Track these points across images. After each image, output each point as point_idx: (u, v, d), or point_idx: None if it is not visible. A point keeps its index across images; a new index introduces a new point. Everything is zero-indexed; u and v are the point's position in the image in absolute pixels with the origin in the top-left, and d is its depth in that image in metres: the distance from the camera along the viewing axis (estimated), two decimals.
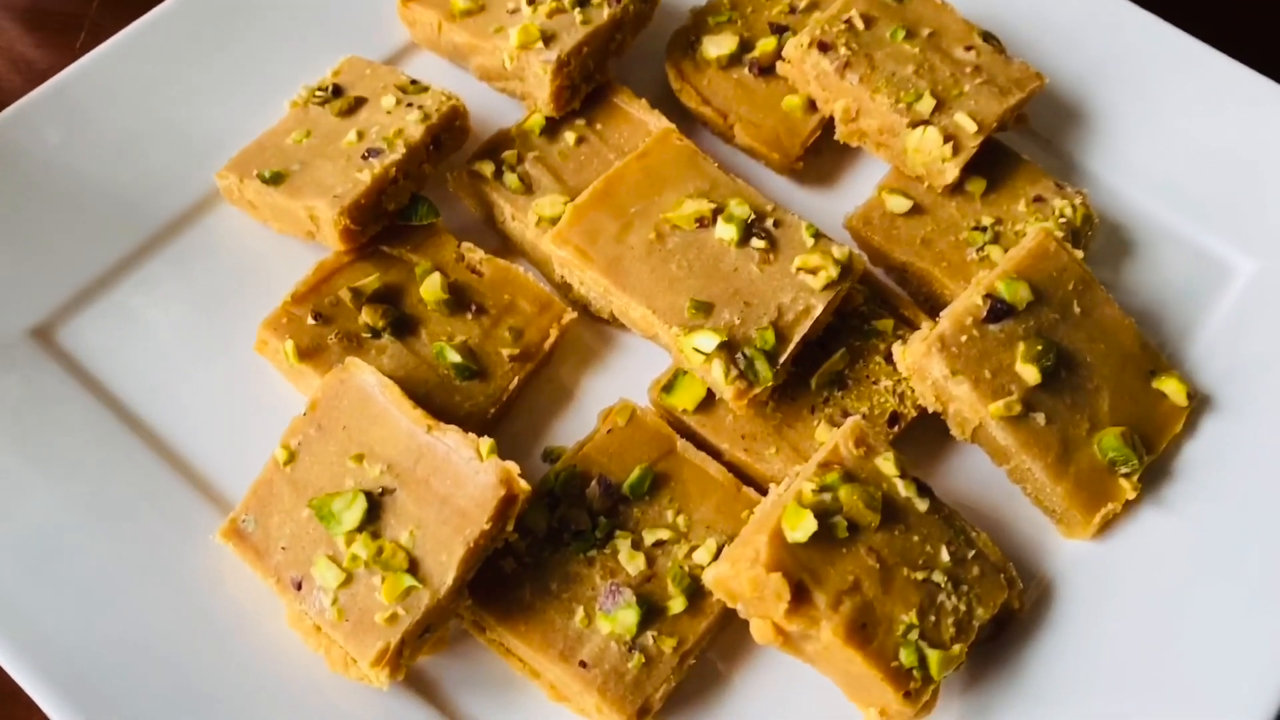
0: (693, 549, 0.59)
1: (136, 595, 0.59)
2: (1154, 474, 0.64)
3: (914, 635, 0.54)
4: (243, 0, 0.77)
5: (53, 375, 0.65)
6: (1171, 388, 0.65)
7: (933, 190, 0.71)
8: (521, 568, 0.58)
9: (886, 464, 0.58)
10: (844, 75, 0.70)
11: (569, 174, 0.71)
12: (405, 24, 0.77)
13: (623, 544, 0.58)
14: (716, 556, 0.58)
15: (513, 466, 0.56)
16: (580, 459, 0.61)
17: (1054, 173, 0.74)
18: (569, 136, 0.72)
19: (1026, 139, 0.76)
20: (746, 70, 0.75)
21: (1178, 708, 0.58)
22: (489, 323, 0.66)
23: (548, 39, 0.70)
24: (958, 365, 0.61)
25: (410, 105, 0.69)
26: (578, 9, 0.72)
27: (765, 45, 0.75)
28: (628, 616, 0.56)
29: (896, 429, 0.63)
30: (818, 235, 0.65)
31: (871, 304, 0.67)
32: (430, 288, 0.65)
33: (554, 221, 0.68)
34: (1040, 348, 0.62)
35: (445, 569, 0.54)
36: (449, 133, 0.70)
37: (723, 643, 0.60)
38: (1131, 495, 0.62)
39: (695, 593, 0.57)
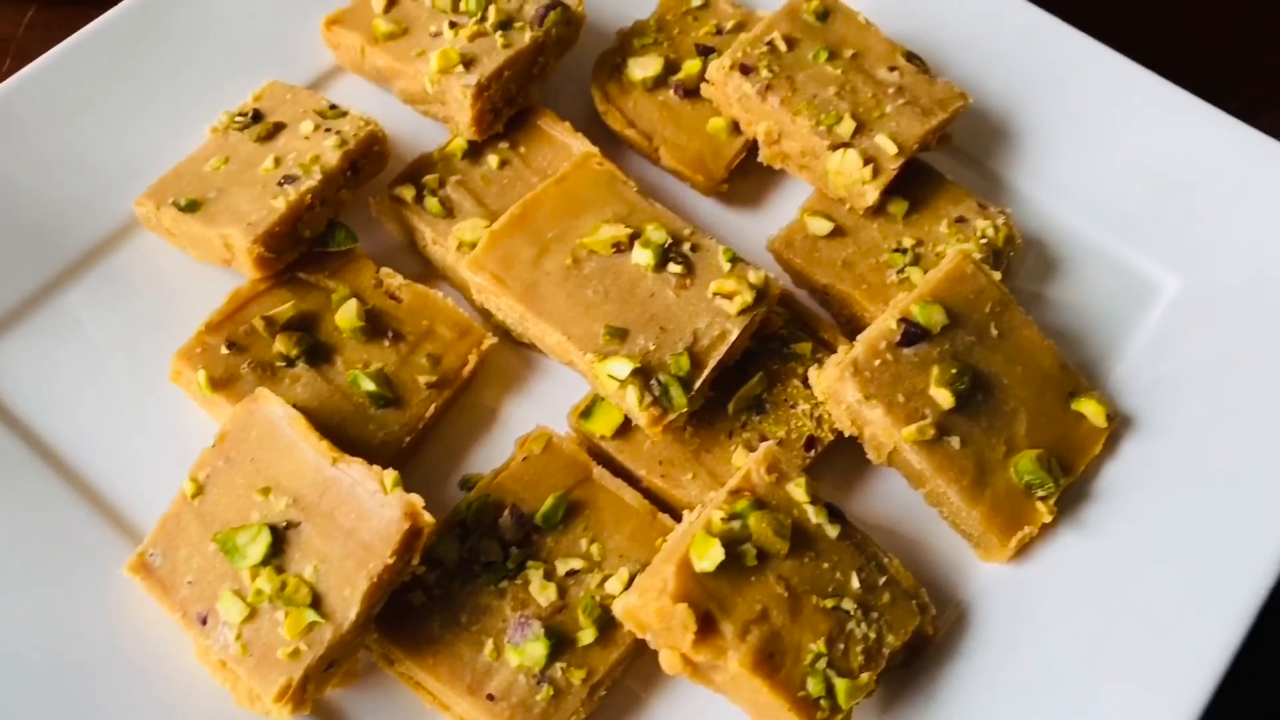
0: (605, 578, 0.58)
1: (46, 628, 0.59)
2: (1072, 496, 0.64)
3: (822, 664, 0.54)
4: (165, 25, 0.76)
5: None
6: (1091, 409, 0.65)
7: (854, 212, 0.71)
8: (431, 600, 0.57)
9: (798, 490, 0.57)
10: (765, 98, 0.70)
11: (491, 198, 0.71)
12: (330, 47, 0.76)
13: (534, 574, 0.58)
14: (629, 586, 0.58)
15: (417, 499, 0.55)
16: (494, 488, 0.61)
17: (980, 191, 0.75)
18: (492, 160, 0.72)
19: (953, 158, 0.76)
20: (672, 92, 0.75)
21: None
22: (406, 349, 0.65)
23: (468, 63, 0.70)
24: (871, 390, 0.61)
25: (328, 131, 0.69)
26: (499, 32, 0.71)
27: (690, 67, 0.75)
28: (536, 649, 0.56)
29: (813, 453, 0.63)
30: (735, 260, 0.65)
31: (791, 327, 0.67)
32: (345, 315, 0.65)
33: (475, 245, 0.67)
34: (954, 371, 0.62)
35: (348, 604, 0.54)
36: (367, 158, 0.69)
37: (641, 669, 0.60)
38: (1048, 519, 0.62)
39: (606, 623, 0.57)
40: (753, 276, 0.64)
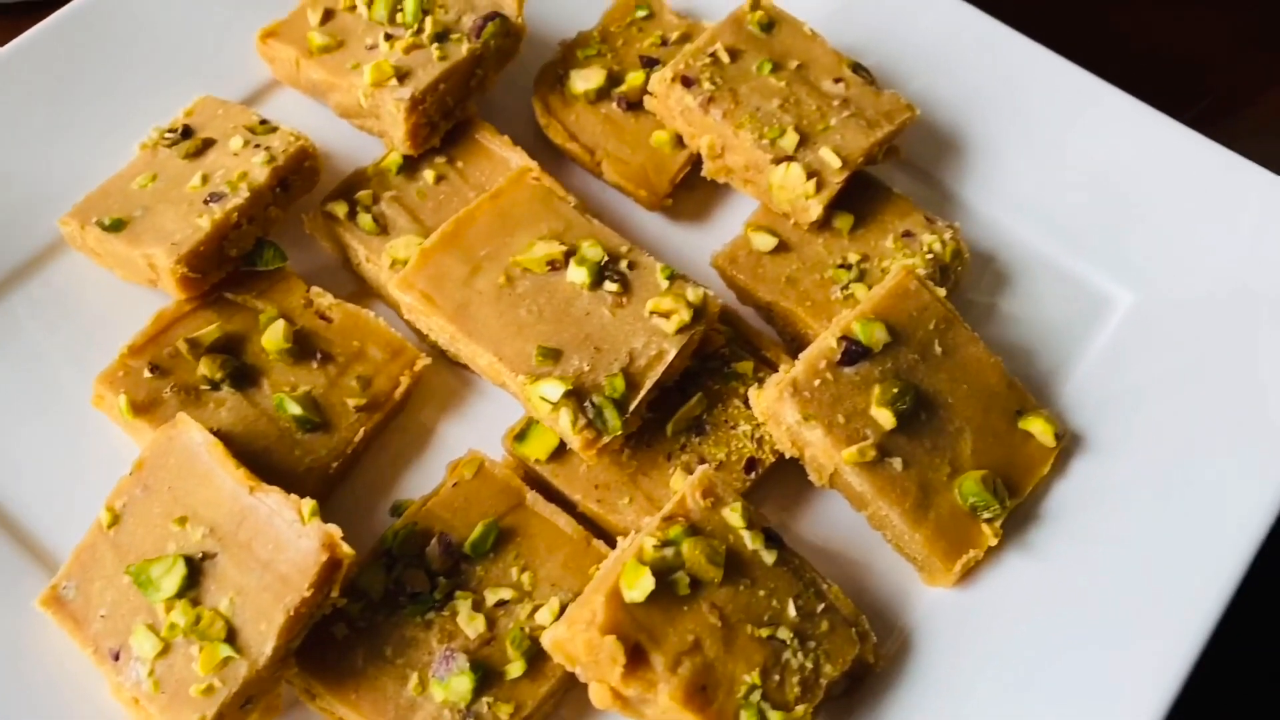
0: (536, 609, 0.57)
1: None
2: (1019, 517, 0.62)
3: (756, 696, 0.52)
4: (95, 38, 0.74)
5: None
6: (1039, 428, 0.63)
7: (799, 227, 0.69)
8: (354, 632, 0.55)
9: (734, 515, 0.56)
10: (708, 110, 0.69)
11: (427, 214, 0.69)
12: (265, 60, 0.75)
13: (463, 605, 0.56)
14: (560, 617, 0.56)
15: (335, 530, 0.53)
16: (422, 516, 0.59)
17: (929, 204, 0.73)
18: (428, 175, 0.70)
19: (901, 170, 0.74)
20: (615, 105, 0.74)
21: None
22: (335, 371, 0.64)
23: (402, 76, 0.68)
24: (810, 410, 0.59)
25: (258, 147, 0.67)
26: (435, 45, 0.70)
27: (634, 79, 0.73)
28: (461, 684, 0.54)
29: (754, 475, 0.61)
30: (673, 277, 0.63)
31: (733, 345, 0.65)
32: (272, 337, 0.63)
33: (408, 263, 0.66)
34: (896, 390, 0.60)
35: (264, 638, 0.52)
36: (298, 174, 0.68)
37: (573, 703, 0.58)
38: (993, 541, 0.60)
39: (536, 656, 0.55)
40: (691, 294, 0.62)
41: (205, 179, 0.66)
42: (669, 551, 0.54)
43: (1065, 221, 0.74)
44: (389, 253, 0.66)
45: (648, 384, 0.60)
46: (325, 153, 0.71)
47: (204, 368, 0.62)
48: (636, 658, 0.52)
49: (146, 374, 0.62)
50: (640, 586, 0.52)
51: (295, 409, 0.61)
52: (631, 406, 0.59)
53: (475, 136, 0.72)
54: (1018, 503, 0.62)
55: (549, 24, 0.78)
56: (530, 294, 0.62)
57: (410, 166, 0.70)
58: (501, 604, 0.57)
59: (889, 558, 0.62)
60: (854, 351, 0.61)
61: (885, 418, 0.60)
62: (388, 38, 0.70)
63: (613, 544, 0.59)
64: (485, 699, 0.54)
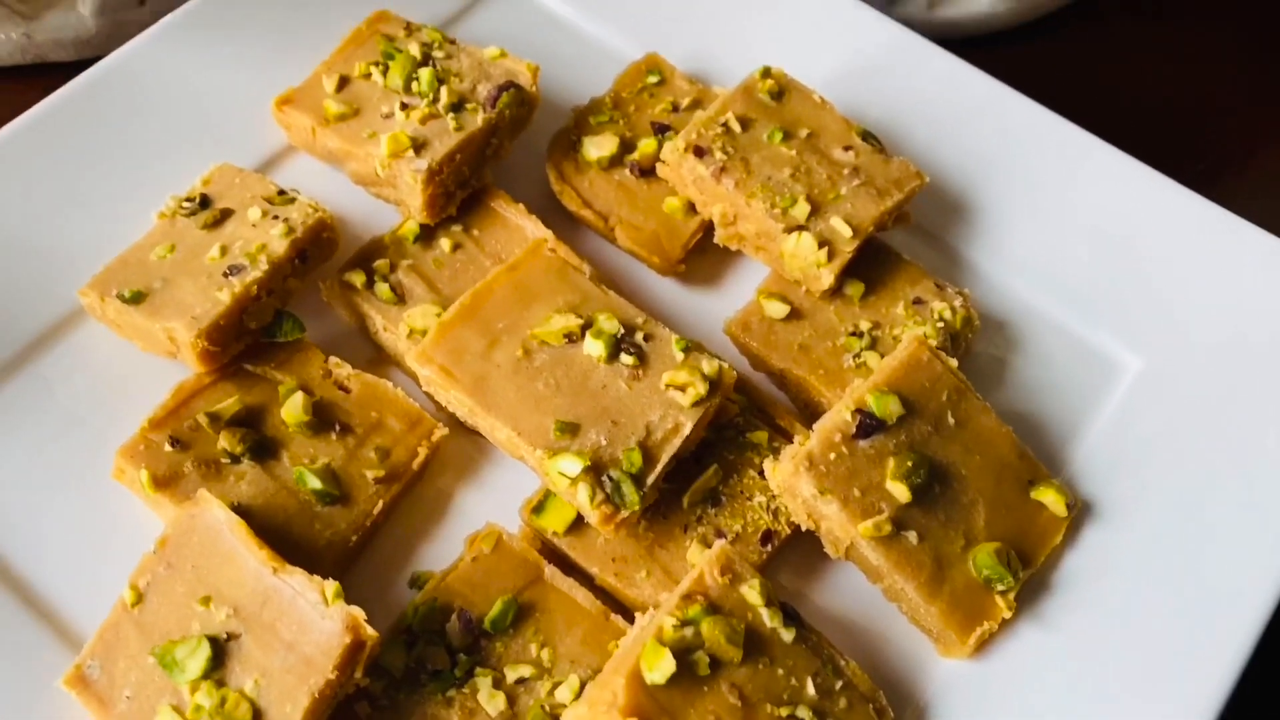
0: (556, 686, 0.57)
1: None
2: (1033, 588, 0.63)
3: None
4: (111, 106, 0.75)
5: None
6: (1050, 498, 0.64)
7: (811, 294, 0.70)
8: (376, 711, 0.56)
9: (752, 592, 0.56)
10: (720, 180, 0.70)
11: (444, 282, 0.70)
12: (281, 127, 0.75)
13: (483, 682, 0.57)
14: (580, 694, 0.56)
15: (359, 613, 0.54)
16: (441, 591, 0.59)
17: (938, 268, 0.74)
18: (444, 243, 0.71)
19: (910, 234, 0.75)
20: (627, 171, 0.74)
21: None
22: (354, 443, 0.64)
23: (419, 147, 0.69)
24: (826, 484, 0.60)
25: (276, 218, 0.68)
26: (451, 115, 0.71)
27: (646, 147, 0.74)
28: None
29: (770, 548, 0.62)
30: (688, 349, 0.64)
31: (747, 414, 0.66)
32: (292, 410, 0.64)
33: (426, 332, 0.66)
34: (911, 464, 0.61)
35: (289, 719, 0.52)
36: (316, 245, 0.68)
37: None
38: (1008, 614, 0.61)
39: None
40: (706, 366, 0.63)
41: (224, 250, 0.66)
42: (688, 631, 0.54)
43: (1072, 285, 0.74)
44: (406, 322, 0.67)
45: (665, 458, 0.61)
46: (341, 218, 0.72)
47: (224, 441, 0.62)
48: None
49: (167, 447, 0.62)
50: (661, 668, 0.53)
51: (315, 483, 0.62)
52: (649, 481, 0.60)
53: (490, 204, 0.72)
54: (1031, 573, 0.63)
55: (561, 90, 0.79)
56: (548, 367, 0.63)
57: (427, 235, 0.71)
58: (521, 681, 0.57)
59: (905, 628, 0.63)
60: (869, 424, 0.61)
61: (900, 491, 0.60)
62: (404, 107, 0.71)
63: (630, 617, 0.59)
64: None
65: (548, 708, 0.56)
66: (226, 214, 0.69)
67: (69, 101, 0.75)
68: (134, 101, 0.76)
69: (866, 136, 0.73)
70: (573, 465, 0.59)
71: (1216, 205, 0.76)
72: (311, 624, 0.54)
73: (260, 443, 0.63)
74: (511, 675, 0.57)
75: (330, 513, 0.62)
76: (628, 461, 0.60)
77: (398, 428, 0.65)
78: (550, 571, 0.61)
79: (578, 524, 0.62)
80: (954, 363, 0.65)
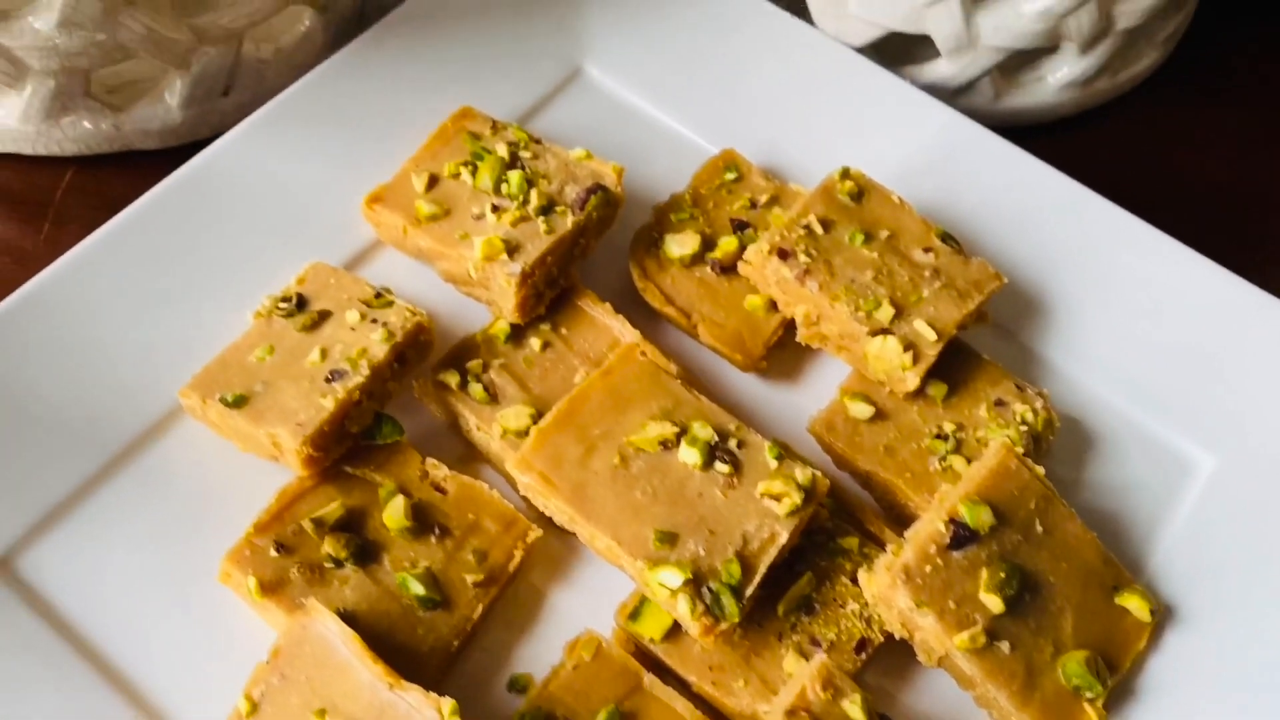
0: None
1: None
2: (1119, 693, 0.64)
3: None
4: (204, 203, 0.77)
5: (13, 608, 0.64)
6: (1134, 604, 0.65)
7: (895, 395, 0.71)
8: None
9: (853, 708, 0.58)
10: (804, 282, 0.71)
11: (534, 381, 0.71)
12: (370, 224, 0.77)
13: None
14: None
15: None
16: (545, 699, 0.61)
17: (1012, 364, 0.75)
18: (534, 342, 0.72)
19: (986, 331, 0.76)
20: (709, 269, 0.76)
21: None
22: (453, 545, 0.66)
23: (512, 250, 0.71)
24: (922, 597, 0.61)
25: (374, 321, 0.69)
26: (541, 217, 0.72)
27: (727, 245, 0.76)
28: None
29: (864, 655, 0.63)
30: (781, 456, 0.65)
31: (836, 519, 0.67)
32: (393, 515, 0.65)
33: (519, 433, 0.68)
34: (1003, 575, 0.62)
35: None
36: (414, 348, 0.70)
37: None
38: None
39: None
40: (800, 475, 0.64)
41: (324, 354, 0.68)
42: None
43: (1145, 383, 0.76)
44: (500, 422, 0.69)
45: (762, 568, 0.62)
46: (430, 315, 0.73)
47: (328, 546, 0.64)
48: None
49: (272, 552, 0.64)
50: None
51: (418, 589, 0.63)
52: (748, 592, 0.61)
53: (578, 303, 0.74)
54: (1118, 679, 0.64)
55: (640, 187, 0.80)
56: (644, 475, 0.64)
57: (517, 334, 0.73)
58: None
59: None
60: (962, 535, 0.63)
61: (994, 603, 0.62)
62: (495, 209, 0.73)
63: None
64: None
65: None
66: (324, 316, 0.70)
67: (162, 200, 0.76)
68: (223, 199, 0.77)
69: (945, 238, 0.74)
70: (673, 577, 0.60)
71: None
72: None
73: (363, 547, 0.64)
74: None
75: (432, 618, 0.63)
76: (726, 573, 0.61)
77: (494, 529, 0.66)
78: (649, 680, 0.62)
79: (674, 630, 0.63)
80: (1041, 470, 0.66)
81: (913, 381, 0.70)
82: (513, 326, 0.73)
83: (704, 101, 0.86)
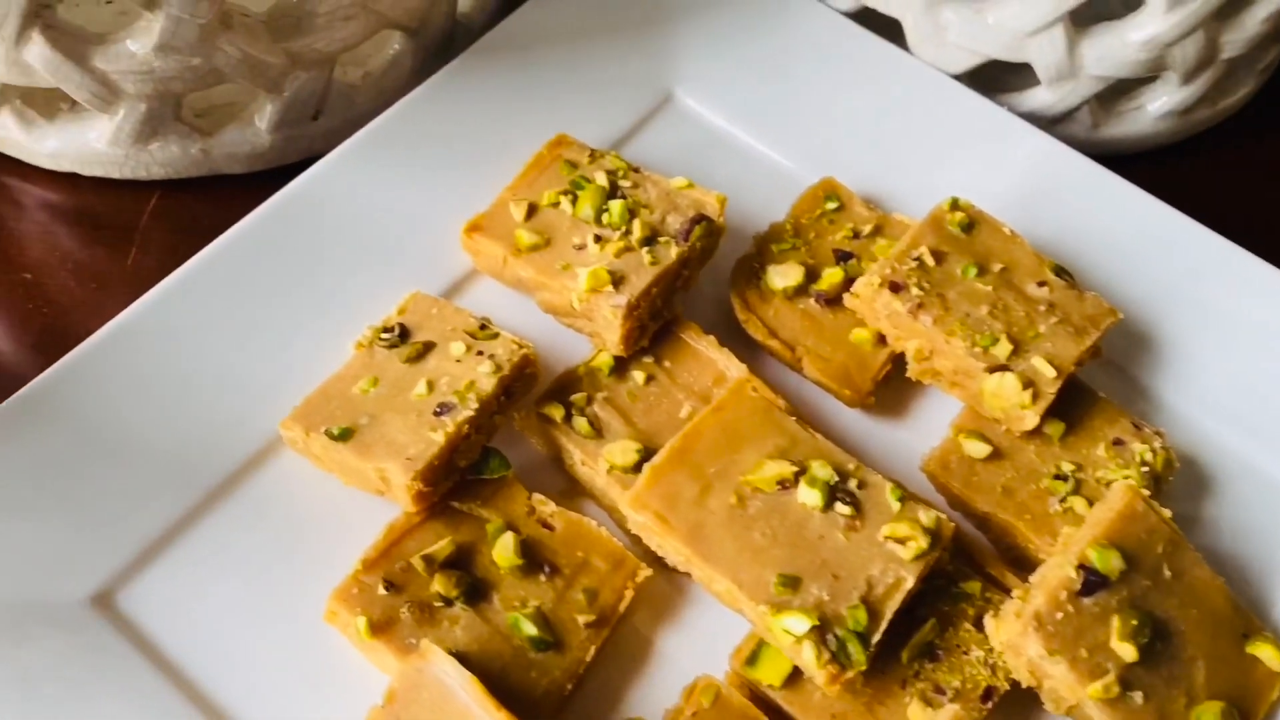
0: None
1: None
2: None
3: None
4: (299, 232, 0.76)
5: (114, 644, 0.63)
6: (1267, 653, 0.63)
7: (1010, 433, 0.69)
8: None
9: None
10: (917, 316, 0.70)
11: (639, 415, 0.70)
12: (468, 253, 0.76)
13: None
14: None
15: None
16: None
17: (1125, 401, 0.73)
18: (638, 375, 0.71)
19: (1095, 366, 0.74)
20: (813, 301, 0.74)
21: None
22: (563, 584, 0.64)
23: (617, 281, 0.70)
24: (1054, 645, 0.59)
25: (480, 354, 0.68)
26: (645, 248, 0.71)
27: (831, 276, 0.74)
28: None
29: (990, 704, 0.61)
30: (904, 498, 0.63)
31: (957, 563, 0.65)
32: (503, 552, 0.63)
33: (626, 469, 0.67)
34: (1136, 623, 0.60)
35: None
36: (520, 380, 0.69)
37: None
38: None
39: None
40: (924, 518, 0.62)
41: (431, 386, 0.67)
42: None
43: (1260, 420, 0.74)
44: (606, 458, 0.67)
45: (889, 614, 0.60)
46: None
47: (439, 585, 0.62)
48: None
49: (381, 591, 0.62)
50: None
51: (531, 629, 0.61)
52: (874, 639, 0.59)
53: (681, 336, 0.72)
54: None
55: (733, 215, 0.79)
56: (763, 515, 0.63)
57: (620, 367, 0.71)
58: None
59: None
60: (1092, 581, 0.61)
61: (1127, 651, 0.60)
62: (597, 239, 0.72)
63: None
64: None
65: None
66: (428, 347, 0.69)
67: (257, 227, 0.75)
68: (318, 226, 0.76)
69: (1059, 271, 0.73)
70: (800, 624, 0.59)
71: None
72: None
73: (473, 585, 0.63)
74: None
75: (545, 659, 0.62)
76: (853, 619, 0.59)
77: (603, 568, 0.65)
78: None
79: (794, 676, 0.62)
80: (1168, 513, 0.64)
81: (1032, 420, 0.68)
82: (616, 359, 0.71)
83: (797, 128, 0.85)
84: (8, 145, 0.84)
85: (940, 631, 0.63)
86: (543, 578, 0.64)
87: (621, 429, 0.69)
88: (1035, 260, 0.73)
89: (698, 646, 0.65)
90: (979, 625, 0.63)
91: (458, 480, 0.66)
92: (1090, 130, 0.88)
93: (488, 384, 0.66)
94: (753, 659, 0.62)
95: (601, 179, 0.75)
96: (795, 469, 0.64)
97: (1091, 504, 0.66)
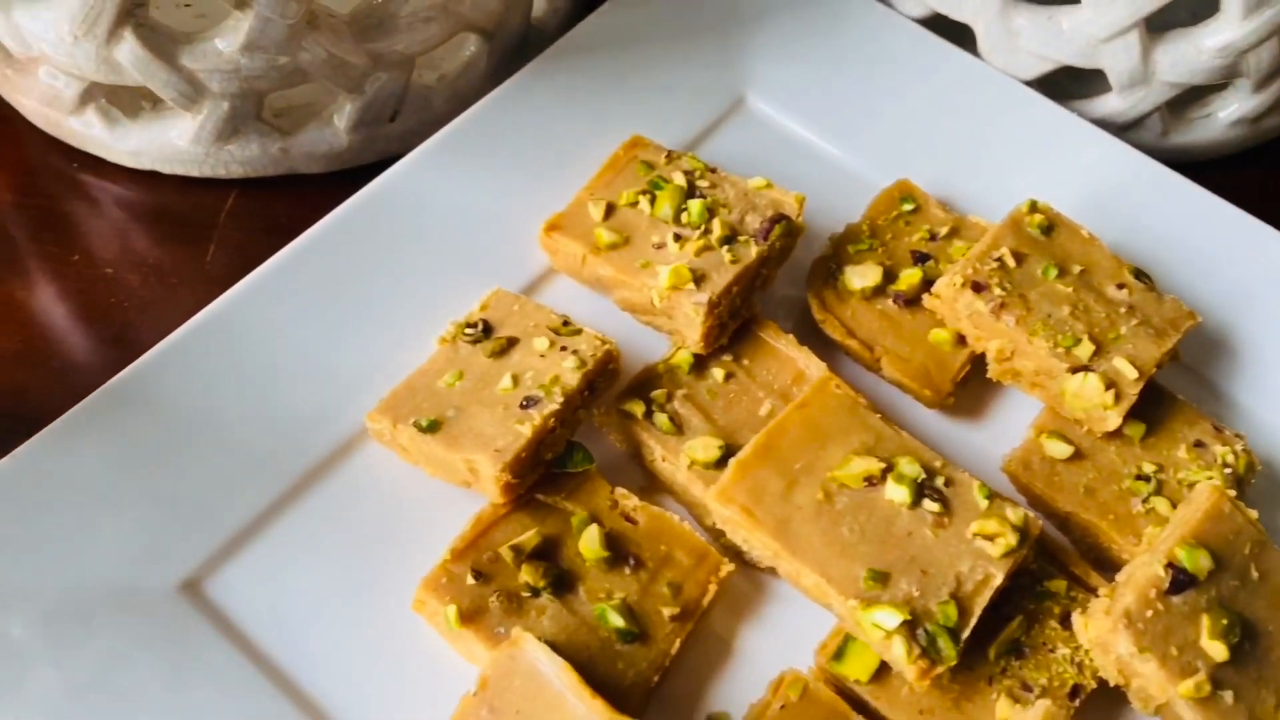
0: None
1: None
2: None
3: None
4: (381, 230, 0.77)
5: (202, 631, 0.63)
6: None
7: (1091, 433, 0.69)
8: None
9: None
10: (999, 316, 0.70)
11: (718, 412, 0.70)
12: (546, 252, 0.77)
13: None
14: None
15: None
16: None
17: (1202, 404, 0.73)
18: (717, 373, 0.71)
19: (1173, 370, 0.74)
20: (890, 301, 0.75)
21: None
22: (647, 577, 0.64)
23: (698, 279, 0.70)
24: (1144, 642, 0.59)
25: (564, 349, 0.68)
26: (725, 247, 0.72)
27: (910, 277, 0.75)
28: None
29: (1077, 702, 0.61)
30: (991, 496, 0.63)
31: (1041, 561, 0.65)
32: (589, 544, 0.64)
33: (707, 465, 0.67)
34: (1226, 622, 0.60)
35: None
36: (603, 376, 0.69)
37: None
38: None
39: None
40: (1012, 515, 0.63)
41: (516, 380, 0.67)
42: None
43: None
44: (687, 454, 0.68)
45: (978, 610, 0.60)
46: None
47: (526, 575, 0.63)
48: None
49: (470, 580, 0.63)
50: None
51: (618, 621, 0.62)
52: (964, 634, 0.59)
53: (759, 334, 0.73)
54: None
55: (815, 213, 0.79)
56: (850, 511, 0.63)
57: (699, 364, 0.72)
58: None
59: None
60: (1181, 580, 0.60)
61: (1218, 650, 0.59)
62: (677, 238, 0.72)
63: None
64: None
65: None
66: (512, 342, 0.70)
67: (340, 225, 0.76)
68: (398, 225, 0.77)
69: (1138, 274, 0.73)
70: (891, 618, 0.59)
71: None
72: None
73: (560, 576, 0.63)
74: None
75: (631, 651, 0.62)
76: (943, 615, 0.59)
77: (686, 562, 0.65)
78: None
79: (880, 672, 0.62)
80: (1254, 514, 0.64)
81: (1114, 420, 0.68)
82: (696, 357, 0.72)
83: (868, 132, 0.85)
84: (90, 143, 0.85)
85: (1027, 629, 0.63)
86: (627, 570, 0.64)
87: (701, 425, 0.69)
88: (1114, 263, 0.73)
89: (779, 643, 0.65)
90: (1065, 624, 0.63)
91: (542, 473, 0.67)
92: (1160, 137, 0.88)
93: (572, 378, 0.67)
94: (839, 654, 0.62)
95: (680, 179, 0.75)
96: (882, 465, 0.64)
97: (1174, 505, 0.66)
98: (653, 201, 0.75)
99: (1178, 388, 0.73)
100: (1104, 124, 0.86)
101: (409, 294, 0.75)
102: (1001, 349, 0.70)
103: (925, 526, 0.62)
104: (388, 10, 0.79)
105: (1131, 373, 0.68)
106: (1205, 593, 0.61)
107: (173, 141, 0.83)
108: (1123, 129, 0.87)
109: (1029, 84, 0.86)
